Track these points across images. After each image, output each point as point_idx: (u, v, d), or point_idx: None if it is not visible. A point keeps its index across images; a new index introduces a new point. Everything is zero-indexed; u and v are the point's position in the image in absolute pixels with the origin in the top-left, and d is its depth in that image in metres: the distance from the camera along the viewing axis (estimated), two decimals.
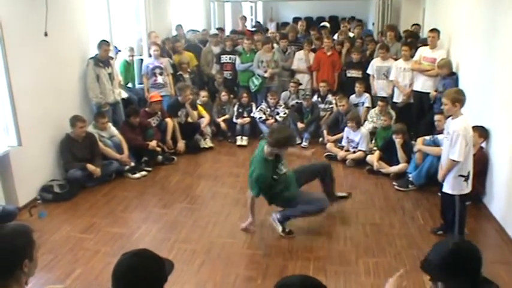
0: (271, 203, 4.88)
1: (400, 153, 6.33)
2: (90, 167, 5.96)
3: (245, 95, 8.28)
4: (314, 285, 1.89)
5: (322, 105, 8.17)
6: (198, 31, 10.49)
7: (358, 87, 7.91)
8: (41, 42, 5.67)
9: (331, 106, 8.09)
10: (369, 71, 8.05)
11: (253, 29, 12.00)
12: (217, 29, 11.20)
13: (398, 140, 6.36)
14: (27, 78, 5.42)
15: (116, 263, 2.02)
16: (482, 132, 5.31)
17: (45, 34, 5.68)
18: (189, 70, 8.56)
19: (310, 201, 4.83)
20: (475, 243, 2.18)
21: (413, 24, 10.14)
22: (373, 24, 13.81)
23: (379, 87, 7.91)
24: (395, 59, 7.82)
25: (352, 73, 8.39)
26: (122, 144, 6.57)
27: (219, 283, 4.03)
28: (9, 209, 4.96)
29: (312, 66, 8.63)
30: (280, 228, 4.78)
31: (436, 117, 6.11)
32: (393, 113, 7.31)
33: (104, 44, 6.67)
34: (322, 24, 13.02)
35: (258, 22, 15.71)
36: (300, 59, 8.69)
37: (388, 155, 6.49)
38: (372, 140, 7.04)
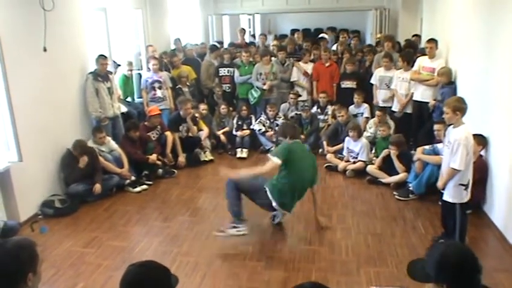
0: None
1: (397, 164, 6.35)
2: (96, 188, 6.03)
3: (244, 107, 8.32)
4: None
5: (321, 117, 8.22)
6: (197, 44, 10.58)
7: (356, 97, 7.94)
8: (40, 58, 5.71)
9: (328, 117, 8.15)
10: (372, 81, 8.08)
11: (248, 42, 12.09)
12: (218, 42, 11.28)
13: (393, 152, 6.39)
14: (26, 93, 5.45)
15: (123, 273, 2.03)
16: (481, 140, 5.33)
17: (44, 49, 5.71)
18: (188, 84, 8.60)
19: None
20: (472, 249, 2.13)
21: (414, 35, 10.19)
22: (371, 34, 13.89)
23: (381, 97, 7.95)
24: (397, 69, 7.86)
25: (347, 84, 8.43)
26: (122, 158, 6.59)
27: None
28: (11, 225, 4.96)
29: (307, 73, 8.68)
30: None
31: (436, 126, 6.13)
32: (392, 123, 7.33)
33: (101, 58, 6.70)
34: (320, 35, 13.10)
35: (253, 35, 15.80)
36: (298, 77, 8.76)
37: (388, 165, 6.52)
38: (371, 150, 7.06)
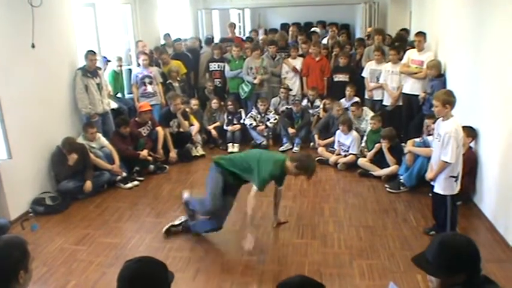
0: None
1: (388, 157, 6.39)
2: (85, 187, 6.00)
3: (229, 102, 8.30)
4: (313, 284, 1.95)
5: (311, 111, 8.23)
6: (189, 38, 10.51)
7: (348, 91, 7.93)
8: (29, 54, 5.65)
9: (317, 110, 8.17)
10: (363, 74, 8.09)
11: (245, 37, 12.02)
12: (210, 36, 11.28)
13: (384, 145, 6.42)
14: (15, 90, 5.40)
15: (120, 269, 2.03)
16: (470, 132, 5.36)
17: (33, 46, 5.66)
18: (178, 79, 8.57)
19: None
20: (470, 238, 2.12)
21: (402, 29, 10.21)
22: (361, 28, 13.91)
23: (373, 90, 7.96)
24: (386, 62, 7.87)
25: (340, 77, 8.43)
26: (113, 154, 6.55)
27: None
28: (1, 223, 4.90)
29: (296, 70, 8.67)
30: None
31: (427, 121, 6.14)
32: (371, 113, 7.38)
33: (90, 54, 6.65)
34: (312, 29, 13.06)
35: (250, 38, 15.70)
36: (287, 72, 8.75)
37: (379, 158, 6.55)
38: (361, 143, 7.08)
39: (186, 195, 5.14)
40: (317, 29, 12.81)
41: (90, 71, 6.64)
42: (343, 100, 7.98)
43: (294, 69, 8.67)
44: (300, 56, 8.85)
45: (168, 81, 8.40)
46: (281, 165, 4.62)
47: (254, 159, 4.61)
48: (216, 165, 4.75)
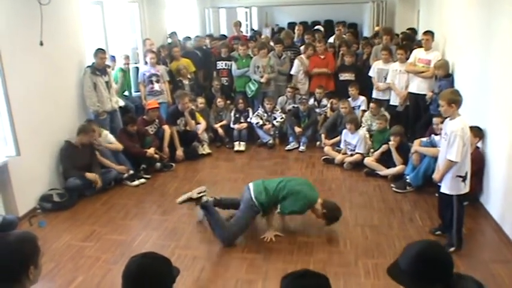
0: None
1: (395, 156, 6.37)
2: (89, 175, 5.98)
3: (240, 100, 8.31)
4: (316, 275, 1.98)
5: (318, 110, 8.22)
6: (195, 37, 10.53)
7: (352, 90, 7.92)
8: (37, 52, 5.69)
9: (324, 109, 8.16)
10: (370, 73, 8.07)
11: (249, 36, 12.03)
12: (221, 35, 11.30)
13: (392, 143, 6.40)
14: (24, 87, 5.45)
15: (125, 265, 2.06)
16: (477, 132, 5.34)
17: (41, 43, 5.70)
18: (189, 76, 8.59)
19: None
20: (444, 249, 2.12)
21: (409, 29, 10.18)
22: (369, 27, 13.87)
23: (380, 90, 7.95)
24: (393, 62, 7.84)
25: (345, 76, 8.41)
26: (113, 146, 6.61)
27: None
28: (10, 219, 4.95)
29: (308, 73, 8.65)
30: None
31: (435, 120, 6.12)
32: (387, 115, 7.34)
33: (100, 52, 6.68)
34: (316, 27, 13.03)
35: (254, 30, 15.71)
36: (298, 71, 8.67)
37: (386, 158, 6.53)
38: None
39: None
40: (320, 28, 12.75)
41: (99, 69, 6.67)
42: (350, 100, 7.96)
43: (306, 73, 8.63)
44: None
45: (178, 78, 8.42)
46: (310, 205, 4.86)
47: (290, 192, 4.78)
48: (258, 204, 4.81)
